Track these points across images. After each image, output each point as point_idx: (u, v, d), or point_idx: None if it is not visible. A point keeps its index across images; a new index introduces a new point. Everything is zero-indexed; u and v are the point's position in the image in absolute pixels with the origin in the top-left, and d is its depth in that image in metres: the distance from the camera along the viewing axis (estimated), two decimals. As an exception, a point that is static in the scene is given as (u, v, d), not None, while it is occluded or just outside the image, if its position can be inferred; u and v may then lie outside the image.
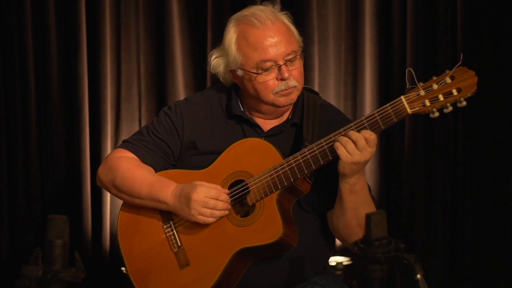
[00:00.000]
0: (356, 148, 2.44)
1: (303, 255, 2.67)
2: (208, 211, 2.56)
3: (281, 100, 2.62)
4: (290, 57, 2.60)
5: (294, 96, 2.63)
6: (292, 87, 2.61)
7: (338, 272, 4.23)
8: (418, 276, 1.88)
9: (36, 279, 1.93)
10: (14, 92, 4.18)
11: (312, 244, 2.70)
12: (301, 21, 4.25)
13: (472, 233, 4.21)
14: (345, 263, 4.28)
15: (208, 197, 2.56)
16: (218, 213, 2.57)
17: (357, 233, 2.51)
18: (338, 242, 4.27)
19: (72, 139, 4.25)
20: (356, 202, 2.52)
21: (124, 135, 4.14)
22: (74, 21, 4.18)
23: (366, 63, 4.29)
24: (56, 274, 1.92)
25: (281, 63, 2.59)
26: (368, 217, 1.90)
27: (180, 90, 4.27)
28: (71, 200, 4.26)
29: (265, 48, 2.59)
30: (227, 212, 2.58)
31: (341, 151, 2.45)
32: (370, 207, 2.56)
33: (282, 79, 2.59)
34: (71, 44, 4.20)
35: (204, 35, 4.26)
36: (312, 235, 2.69)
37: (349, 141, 2.45)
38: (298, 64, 2.63)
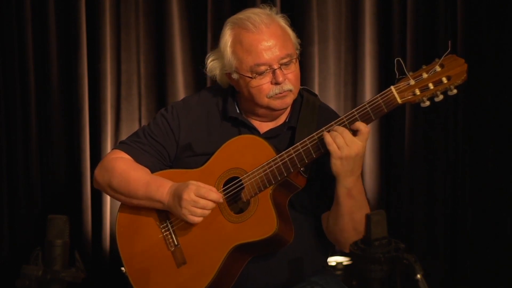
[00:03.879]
0: (345, 142, 2.43)
1: (301, 255, 2.67)
2: (198, 210, 2.56)
3: (276, 103, 2.62)
4: (285, 60, 2.59)
5: (289, 100, 2.63)
6: (287, 90, 2.60)
7: (338, 272, 4.23)
8: (418, 276, 1.88)
9: (36, 279, 1.93)
10: (14, 92, 4.18)
11: (310, 244, 2.69)
12: (301, 21, 4.26)
13: (472, 233, 4.21)
14: (345, 263, 4.28)
15: (198, 196, 2.56)
16: (208, 213, 2.58)
17: (353, 237, 2.50)
18: (338, 242, 4.32)
19: (72, 139, 4.25)
20: (353, 207, 2.51)
21: (124, 135, 4.14)
22: (74, 21, 4.18)
23: (366, 63, 4.29)
24: (56, 274, 1.92)
25: (276, 67, 2.58)
26: (368, 217, 1.90)
27: (180, 90, 4.27)
28: (71, 200, 4.26)
29: (259, 52, 2.58)
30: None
31: (329, 143, 2.43)
32: (367, 212, 2.53)
33: (277, 83, 2.59)
34: (71, 44, 4.20)
35: (204, 35, 4.26)
36: (310, 234, 2.69)
37: (339, 135, 2.43)
38: (294, 67, 2.62)
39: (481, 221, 4.20)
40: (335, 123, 2.47)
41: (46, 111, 4.22)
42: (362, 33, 4.29)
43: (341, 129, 2.44)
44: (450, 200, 4.25)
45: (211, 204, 2.57)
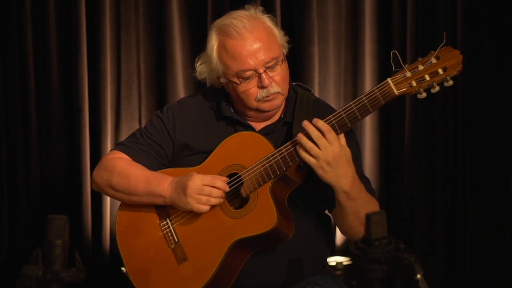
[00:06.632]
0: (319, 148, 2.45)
1: (301, 254, 2.68)
2: (204, 198, 2.57)
3: (265, 106, 2.63)
4: (270, 64, 2.59)
5: (278, 102, 2.64)
6: (275, 93, 2.61)
7: (338, 272, 4.23)
8: (418, 276, 1.88)
9: (36, 279, 1.93)
10: (14, 92, 4.17)
11: (310, 242, 2.70)
12: (301, 21, 4.26)
13: (472, 233, 4.21)
14: (345, 263, 4.28)
15: (203, 184, 2.56)
16: (213, 201, 2.57)
17: (362, 231, 2.51)
18: (338, 242, 4.32)
19: (72, 139, 4.24)
20: (356, 206, 2.52)
21: (124, 135, 4.14)
22: (74, 21, 4.18)
23: (366, 63, 4.29)
24: (56, 274, 1.92)
25: (261, 71, 2.59)
26: (368, 217, 1.90)
27: (180, 90, 4.27)
28: (71, 200, 4.26)
29: (243, 58, 2.59)
30: (221, 200, 2.59)
31: (304, 156, 2.47)
32: (371, 206, 2.55)
33: (263, 87, 2.59)
34: (71, 44, 4.20)
35: (204, 35, 4.25)
36: (310, 233, 2.70)
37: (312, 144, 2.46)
38: (280, 69, 2.62)
39: (481, 221, 4.19)
40: (333, 116, 2.49)
41: (46, 111, 4.22)
42: (362, 33, 4.29)
43: (316, 134, 2.46)
44: (450, 200, 4.25)
45: (216, 191, 2.57)
